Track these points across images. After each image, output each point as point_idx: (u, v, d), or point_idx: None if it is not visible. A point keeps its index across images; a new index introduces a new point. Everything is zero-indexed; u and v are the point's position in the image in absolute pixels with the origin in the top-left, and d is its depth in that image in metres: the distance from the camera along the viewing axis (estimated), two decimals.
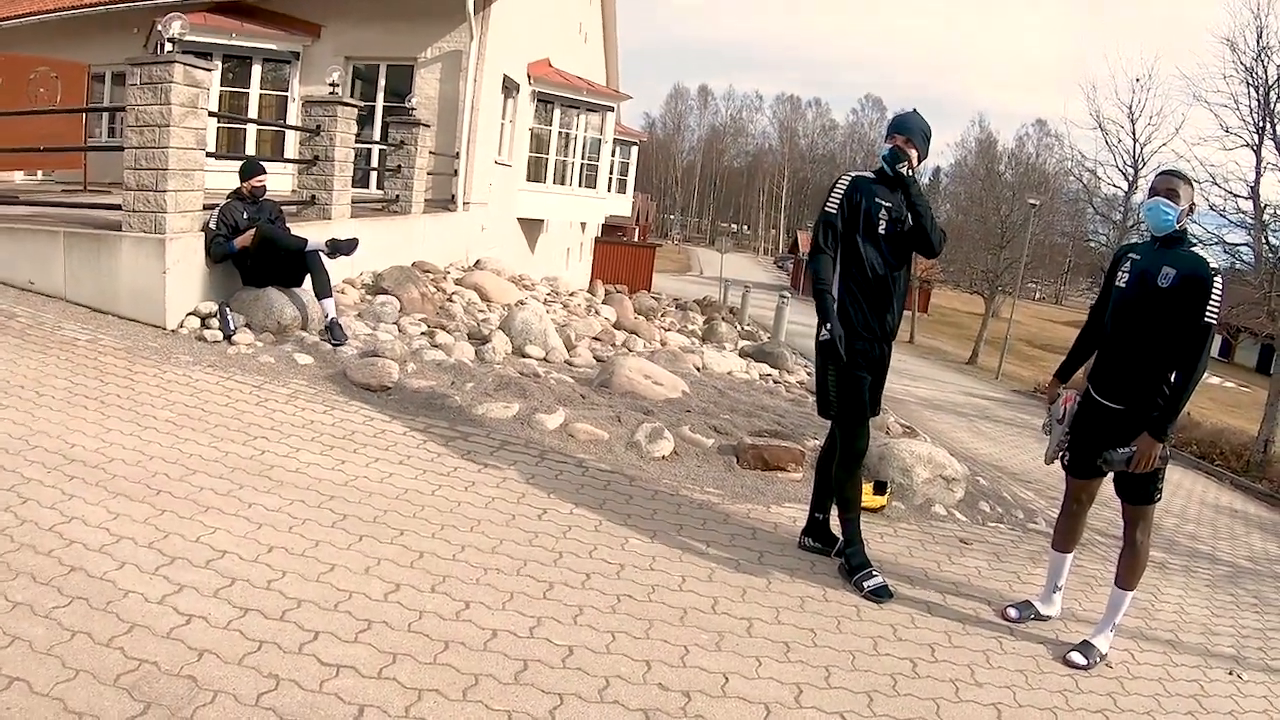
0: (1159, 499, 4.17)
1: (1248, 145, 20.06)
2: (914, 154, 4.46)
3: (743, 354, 13.36)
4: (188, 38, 7.83)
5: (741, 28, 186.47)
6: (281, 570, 3.57)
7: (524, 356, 8.38)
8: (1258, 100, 19.78)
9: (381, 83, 17.11)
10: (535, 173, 20.43)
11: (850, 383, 4.47)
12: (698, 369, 9.91)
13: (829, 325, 4.32)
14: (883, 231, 4.43)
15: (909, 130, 4.48)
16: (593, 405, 6.62)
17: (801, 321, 16.07)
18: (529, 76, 19.09)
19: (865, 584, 4.43)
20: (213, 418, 5.38)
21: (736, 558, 4.53)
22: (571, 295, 16.14)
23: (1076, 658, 4.10)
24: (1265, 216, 19.83)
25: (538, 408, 6.21)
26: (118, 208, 7.64)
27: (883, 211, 4.43)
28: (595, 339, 10.78)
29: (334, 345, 7.22)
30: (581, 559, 4.13)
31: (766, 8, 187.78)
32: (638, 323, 14.03)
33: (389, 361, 6.55)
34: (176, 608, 3.22)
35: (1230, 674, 4.57)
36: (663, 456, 5.87)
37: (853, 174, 4.60)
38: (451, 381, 6.67)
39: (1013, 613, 4.46)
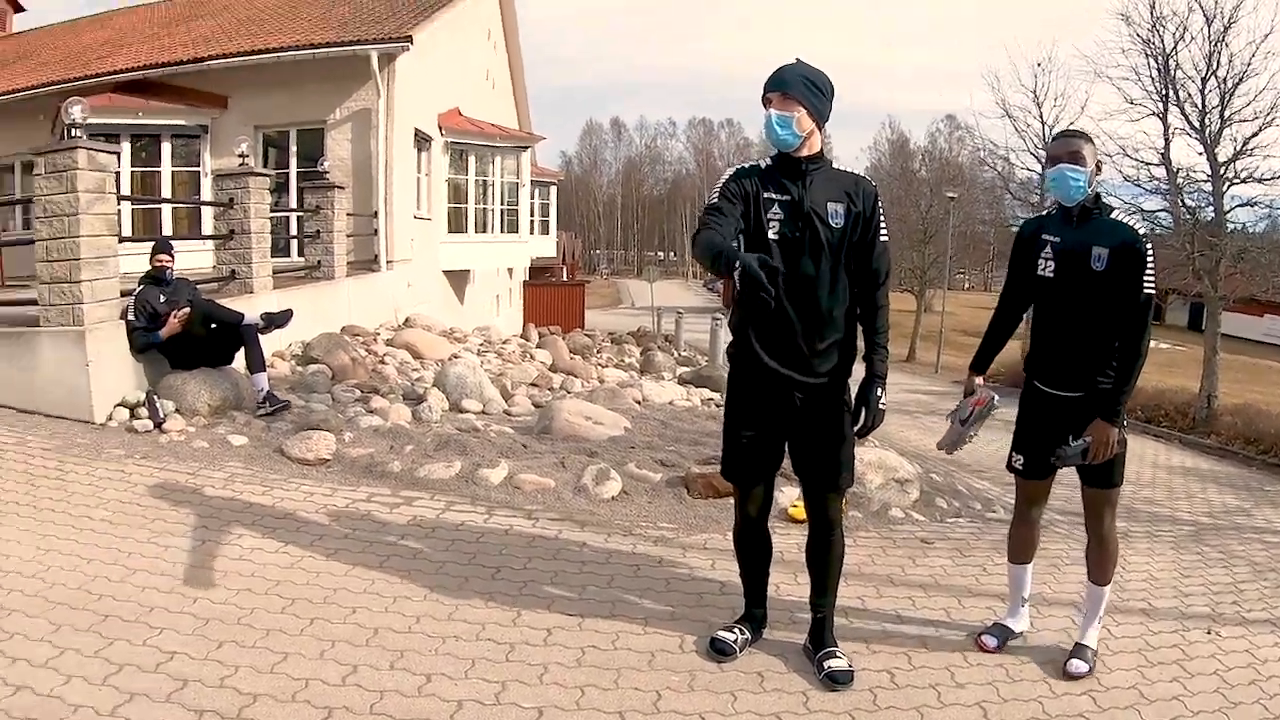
0: (1120, 482, 3.87)
1: (1154, 114, 20.74)
2: (801, 113, 3.35)
3: (681, 381, 13.33)
4: (93, 120, 7.71)
5: (645, 59, 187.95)
6: (234, 665, 3.45)
7: (461, 412, 8.31)
8: (1157, 69, 20.43)
9: (293, 148, 17.13)
10: (456, 223, 20.44)
11: (732, 418, 3.66)
12: (638, 402, 9.85)
13: (739, 263, 2.87)
14: (774, 237, 3.37)
15: (784, 85, 3.37)
16: (535, 454, 6.56)
17: None
18: (440, 127, 19.15)
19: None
20: (150, 512, 5.25)
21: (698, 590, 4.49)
22: (505, 343, 16.11)
23: (1077, 666, 3.86)
24: (1179, 180, 20.37)
25: (480, 463, 6.14)
26: (34, 302, 7.47)
27: (775, 209, 3.39)
28: (532, 385, 10.75)
29: (273, 411, 7.17)
30: (540, 614, 4.04)
31: (672, 36, 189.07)
32: (574, 363, 14.00)
33: (325, 434, 6.46)
34: (129, 718, 3.11)
35: (1209, 633, 4.55)
36: (612, 497, 5.82)
37: (739, 165, 3.60)
38: (390, 446, 6.58)
39: (991, 641, 4.05)
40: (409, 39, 15.55)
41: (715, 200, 3.40)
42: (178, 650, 3.58)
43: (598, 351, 18.96)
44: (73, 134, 7.12)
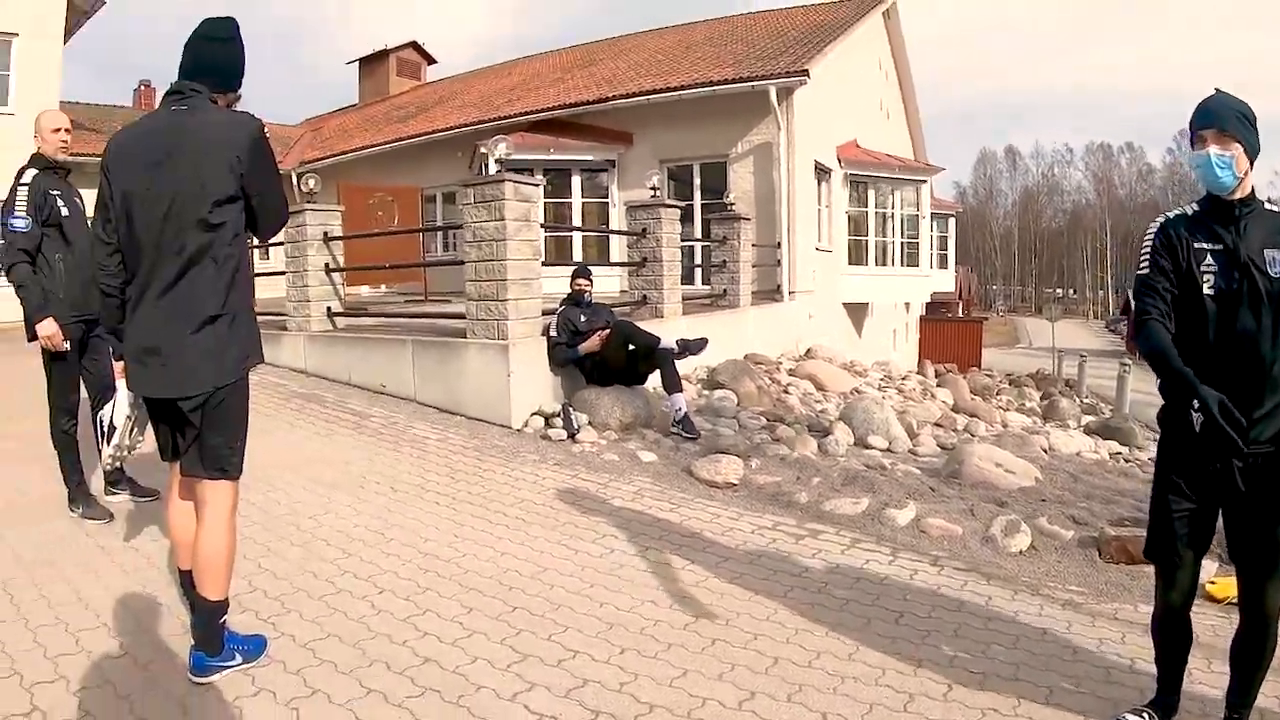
0: None
1: None
2: (1238, 150, 2.99)
3: (1088, 431, 12.53)
4: (511, 156, 8.32)
5: (1036, 79, 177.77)
6: (634, 673, 3.55)
7: (867, 448, 8.17)
8: None
9: (696, 181, 17.65)
10: (856, 255, 20.25)
11: (1161, 490, 3.23)
12: (1045, 451, 9.34)
13: (1197, 401, 2.79)
14: (1209, 292, 3.01)
15: (1220, 120, 3.01)
16: (944, 498, 6.31)
17: (1145, 390, 14.86)
18: (839, 159, 19.11)
19: None
20: (561, 515, 5.57)
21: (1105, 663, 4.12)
22: (904, 379, 15.74)
23: None
24: None
25: (887, 502, 5.96)
26: (461, 316, 8.23)
27: (1208, 261, 3.03)
28: (936, 425, 10.46)
29: (687, 439, 7.38)
30: (941, 667, 3.81)
31: (1055, 53, 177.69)
32: (975, 404, 13.50)
33: (733, 459, 6.55)
34: (528, 706, 3.27)
35: None
36: (1020, 551, 5.45)
37: (1164, 215, 3.24)
38: (796, 476, 6.57)
39: None
40: (805, 73, 15.66)
41: (1145, 270, 3.12)
42: (580, 650, 3.74)
43: (996, 394, 18.19)
44: (495, 168, 7.72)
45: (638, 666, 3.61)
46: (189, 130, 3.20)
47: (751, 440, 7.56)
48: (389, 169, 21.95)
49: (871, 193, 20.34)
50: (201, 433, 3.30)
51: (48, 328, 5.13)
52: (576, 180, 18.38)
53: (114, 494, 5.79)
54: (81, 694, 3.33)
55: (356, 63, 33.81)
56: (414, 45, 33.32)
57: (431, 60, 33.81)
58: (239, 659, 3.49)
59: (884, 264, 20.80)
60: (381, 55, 32.68)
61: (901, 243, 21.12)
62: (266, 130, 3.32)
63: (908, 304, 26.32)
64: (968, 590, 4.76)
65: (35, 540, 5.06)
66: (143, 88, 31.44)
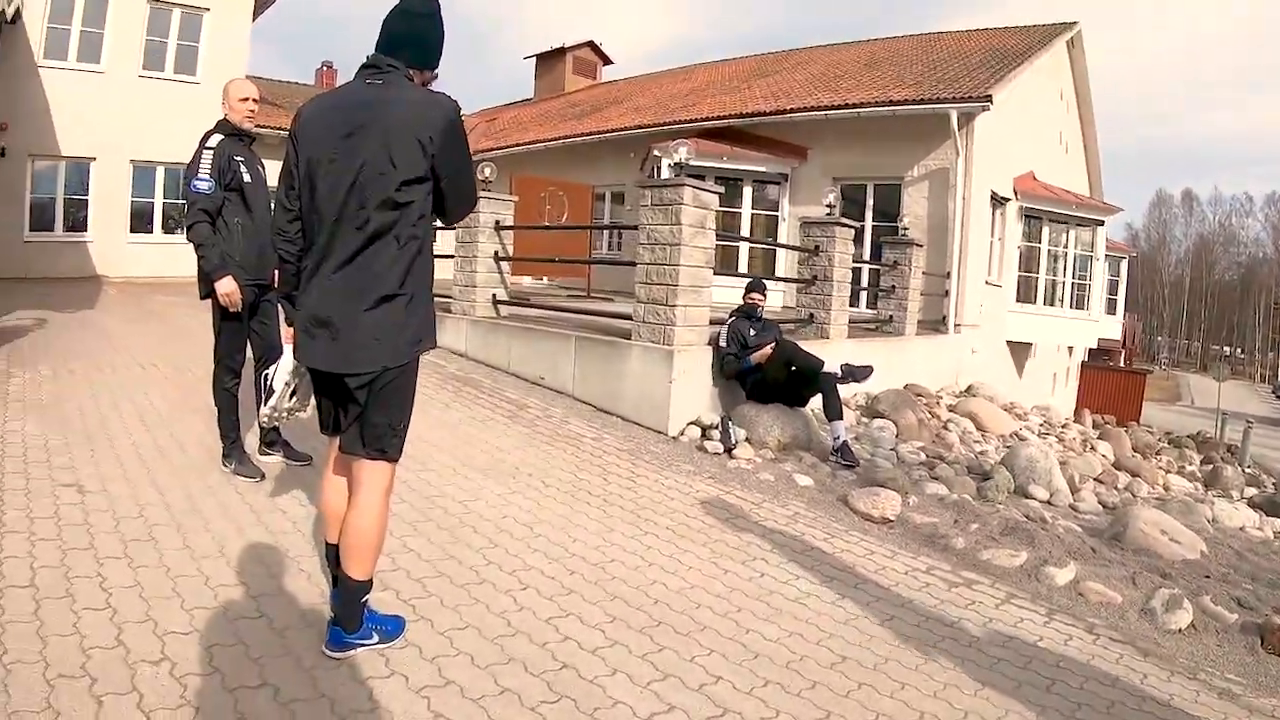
0: None
1: None
2: None
3: (1252, 504, 11.77)
4: (690, 162, 8.26)
5: (1219, 122, 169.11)
6: (775, 709, 3.39)
7: (1027, 497, 7.81)
8: None
9: (869, 202, 17.32)
10: (1025, 292, 19.52)
11: None
12: (1209, 522, 8.80)
13: None
14: None
15: None
16: (1104, 561, 5.93)
17: None
18: (1015, 191, 18.46)
19: None
20: (712, 532, 5.44)
21: None
22: (1064, 427, 15.12)
23: None
24: None
25: (1046, 559, 5.64)
26: (627, 317, 8.17)
27: None
28: (1097, 480, 9.97)
29: (845, 467, 7.19)
30: None
31: (1242, 95, 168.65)
32: (1137, 462, 12.84)
33: (892, 494, 6.32)
34: None
35: None
36: (1179, 629, 5.07)
37: None
38: (954, 520, 6.29)
39: None
40: (988, 98, 15.14)
41: None
42: (723, 676, 3.60)
43: (1157, 453, 17.36)
44: (669, 173, 7.64)
45: (780, 702, 3.45)
46: (382, 105, 3.13)
47: (910, 476, 7.31)
48: (560, 165, 22.18)
49: (1046, 229, 19.56)
50: (365, 411, 3.26)
51: (227, 285, 5.25)
52: (748, 191, 18.26)
53: (268, 454, 5.93)
54: (213, 649, 3.36)
55: (534, 58, 34.32)
56: (591, 45, 33.63)
57: (607, 60, 34.10)
58: (376, 638, 3.48)
59: (1052, 304, 20.01)
60: (559, 52, 33.11)
61: (1072, 283, 20.26)
62: (462, 112, 3.25)
63: (1071, 348, 25.38)
64: (1123, 665, 4.45)
65: (186, 490, 5.20)
66: (325, 68, 32.65)
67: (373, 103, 3.15)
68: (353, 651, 3.40)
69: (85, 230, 19.40)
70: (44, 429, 6.22)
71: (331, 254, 3.19)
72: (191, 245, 5.28)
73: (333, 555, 3.50)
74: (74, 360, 8.74)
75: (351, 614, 3.38)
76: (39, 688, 2.99)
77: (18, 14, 16.95)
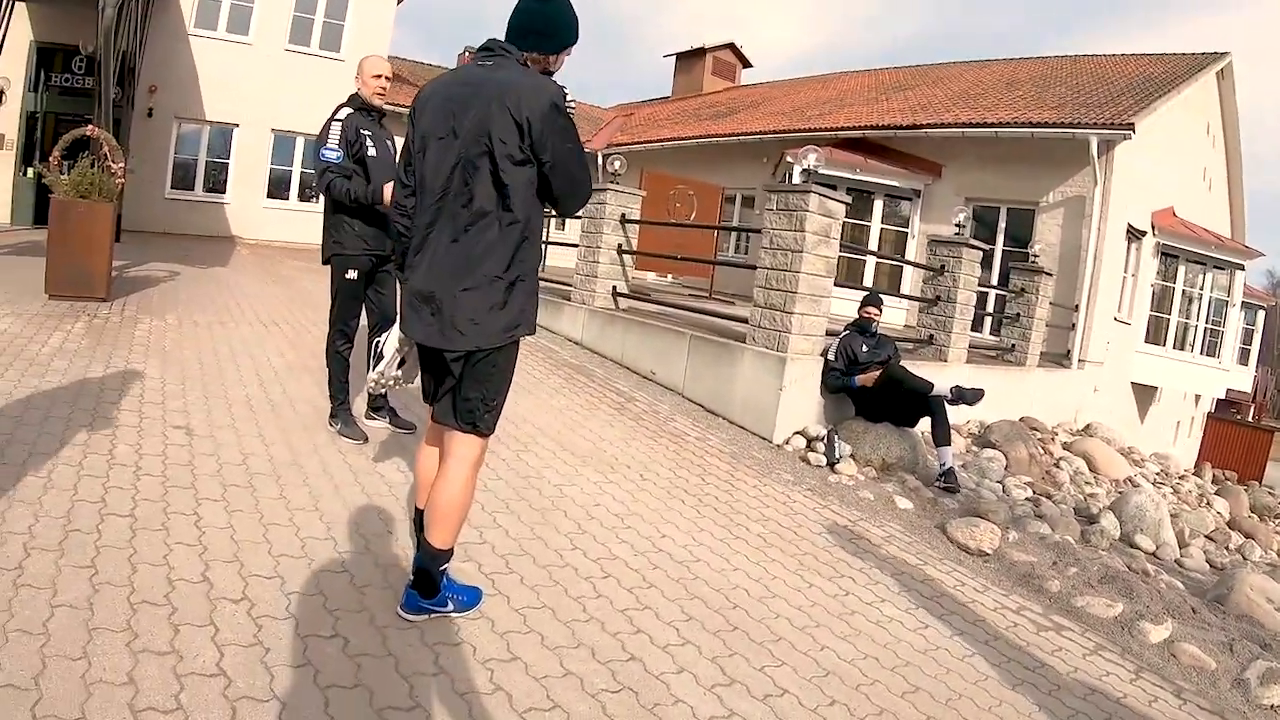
0: None
1: None
2: None
3: None
4: (819, 169, 8.16)
5: None
6: None
7: (1132, 546, 7.50)
8: None
9: (1001, 225, 16.93)
10: (1155, 334, 18.76)
11: None
12: None
13: None
14: None
15: None
16: (1203, 624, 5.60)
17: None
18: (1153, 227, 17.76)
19: None
20: (803, 544, 5.36)
21: None
22: (1181, 478, 14.54)
23: None
24: None
25: (1143, 613, 5.34)
26: (742, 320, 8.14)
27: None
28: (1208, 537, 9.54)
29: (947, 491, 7.05)
30: None
31: None
32: (1253, 523, 12.28)
33: (991, 525, 6.13)
34: None
35: None
36: (1271, 706, 4.77)
37: None
38: (1053, 561, 6.04)
39: None
40: (1130, 126, 14.55)
41: None
42: (790, 690, 3.53)
43: (1275, 516, 16.60)
44: (800, 179, 7.56)
45: None
46: (487, 85, 3.15)
47: (1013, 511, 7.06)
48: (692, 164, 22.17)
49: (1182, 268, 18.78)
50: (460, 385, 3.29)
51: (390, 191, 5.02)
52: (878, 204, 18.05)
53: (373, 419, 6.05)
54: (293, 596, 3.45)
55: (673, 57, 34.28)
56: (731, 46, 33.45)
57: (747, 63, 33.90)
58: (451, 607, 3.52)
59: (1182, 348, 19.23)
60: (698, 53, 32.98)
61: (1205, 328, 19.41)
62: (569, 98, 3.21)
63: (1198, 396, 24.28)
64: None
65: (291, 445, 5.35)
66: (466, 53, 32.97)
67: (479, 83, 3.18)
68: (426, 617, 3.45)
69: (224, 192, 20.24)
70: (163, 373, 6.47)
71: (437, 231, 3.23)
72: (330, 201, 5.49)
73: (420, 521, 3.55)
74: (199, 313, 9.07)
75: (429, 580, 3.42)
76: (122, 609, 3.12)
77: None
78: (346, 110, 5.47)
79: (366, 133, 5.46)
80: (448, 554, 3.43)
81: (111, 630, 2.97)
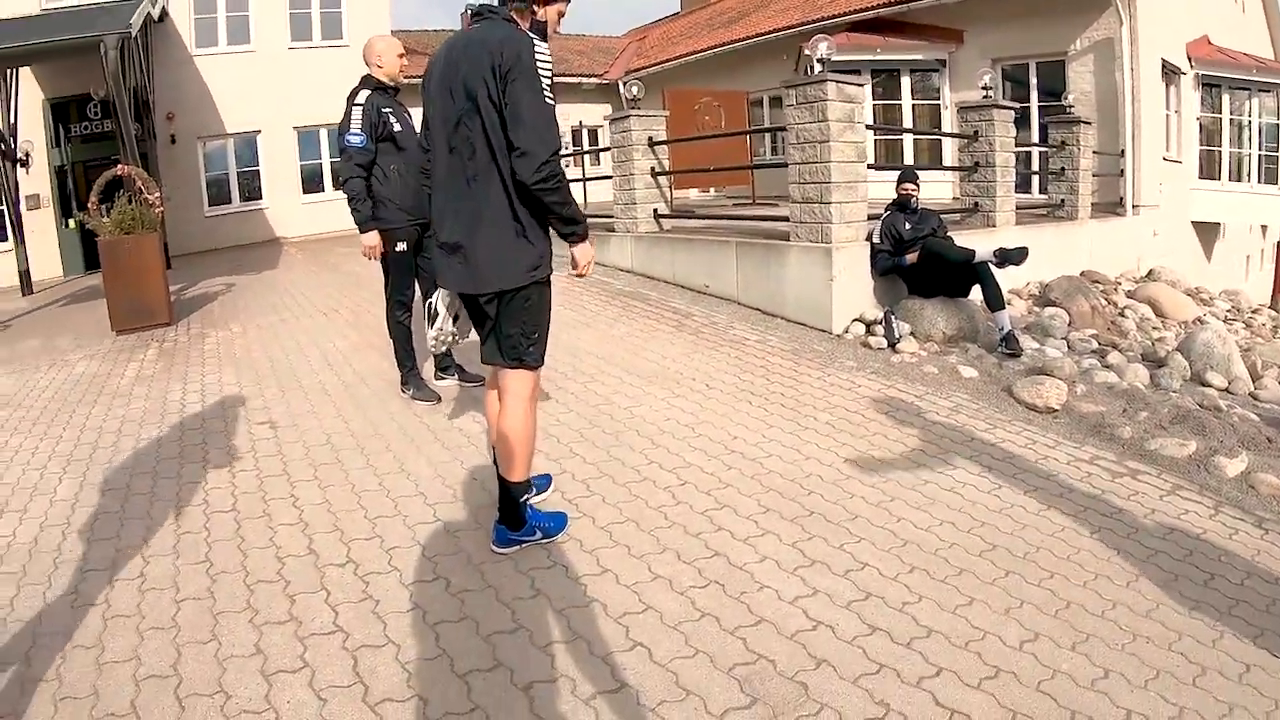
0: None
1: None
2: None
3: None
4: (835, 57, 8.12)
5: None
6: (918, 594, 3.42)
7: (1203, 385, 7.34)
8: None
9: (1033, 81, 16.54)
10: (1208, 169, 18.13)
11: None
12: None
13: None
14: None
15: None
16: None
17: None
18: (1189, 59, 17.13)
19: None
20: (871, 425, 5.46)
21: None
22: (1254, 312, 14.22)
23: None
24: None
25: (1217, 449, 5.28)
26: (785, 219, 8.17)
27: None
28: None
29: (1009, 356, 7.02)
30: (1243, 643, 3.28)
31: None
32: None
33: (1057, 381, 6.11)
34: (806, 611, 3.26)
35: None
36: None
37: None
38: (1123, 409, 5.99)
39: None
40: None
41: None
42: (869, 563, 3.67)
43: None
44: (819, 69, 7.54)
45: (924, 588, 3.48)
46: (473, 45, 3.34)
47: (1079, 364, 7.00)
48: (713, 75, 22.01)
49: (1226, 97, 18.08)
50: (499, 324, 3.49)
51: (370, 239, 5.63)
52: (906, 81, 17.70)
53: (442, 379, 6.27)
54: (392, 551, 3.71)
55: None
56: None
57: None
58: (539, 535, 3.73)
59: (1239, 179, 18.57)
60: None
61: (1260, 155, 18.67)
62: (538, 50, 3.28)
63: (1265, 227, 23.36)
64: None
65: (368, 417, 5.61)
66: (469, 12, 32.81)
67: (467, 44, 3.39)
68: (517, 548, 3.67)
69: (260, 198, 20.67)
70: (238, 378, 6.80)
71: (451, 185, 3.46)
72: (346, 198, 5.64)
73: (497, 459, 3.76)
74: (260, 316, 9.39)
75: (513, 513, 3.64)
76: (240, 592, 3.40)
77: (164, 13, 18.08)
78: (364, 93, 5.61)
79: (388, 110, 5.62)
80: (524, 486, 3.62)
81: (234, 611, 3.26)
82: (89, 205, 9.15)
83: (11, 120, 14.87)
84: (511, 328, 3.46)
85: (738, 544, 3.78)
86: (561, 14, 3.61)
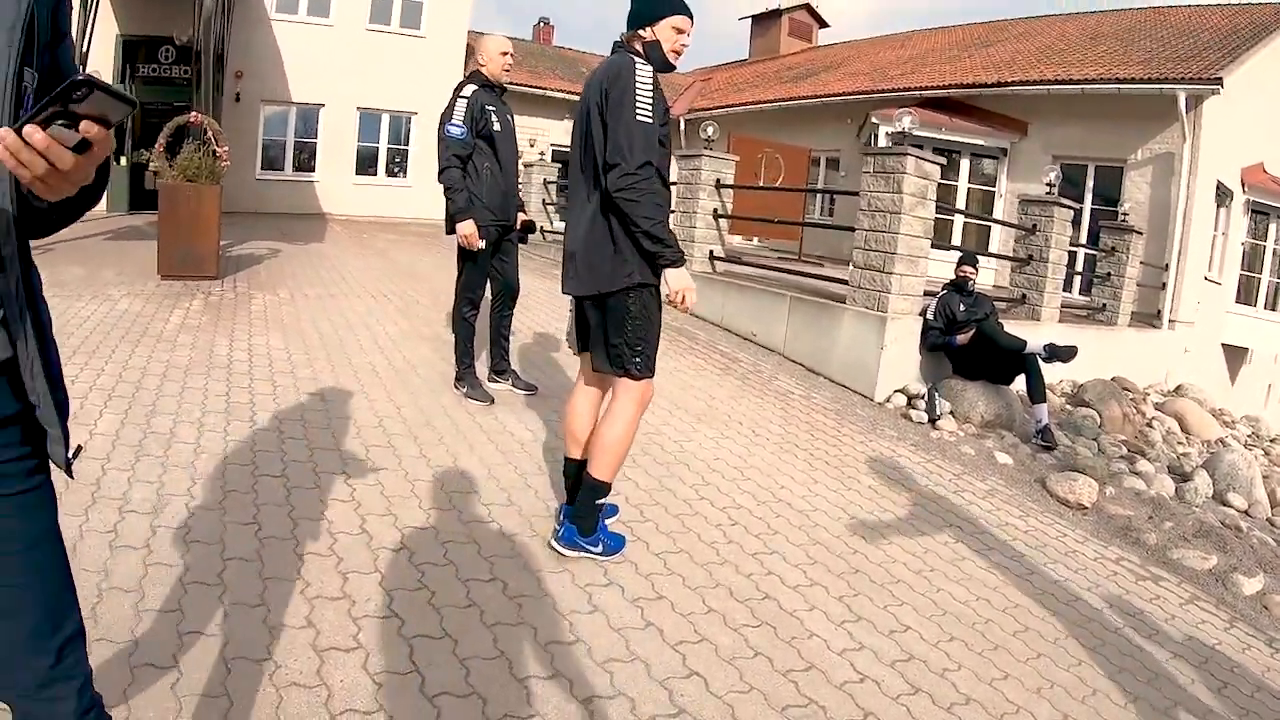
0: None
1: None
2: None
3: None
4: (915, 131, 8.26)
5: None
6: (958, 662, 3.55)
7: (1224, 504, 7.50)
8: None
9: (1089, 183, 16.71)
10: (1246, 293, 18.26)
11: None
12: None
13: None
14: None
15: None
16: None
17: None
18: (1242, 183, 17.27)
19: None
20: (911, 495, 5.58)
21: None
22: (1273, 441, 14.29)
23: None
24: None
25: (1236, 566, 5.49)
26: (840, 281, 8.34)
27: None
28: None
29: (1044, 449, 7.16)
30: None
31: None
32: None
33: (1090, 481, 6.27)
34: (854, 664, 3.36)
35: None
36: None
37: None
38: (1149, 515, 6.18)
39: None
40: (1219, 81, 14.20)
41: None
42: (912, 626, 3.78)
43: None
44: (891, 141, 7.67)
45: (963, 657, 3.60)
46: (598, 70, 3.67)
47: (1109, 467, 7.16)
48: (775, 127, 22.05)
49: (1273, 226, 18.23)
50: (605, 332, 3.68)
51: (467, 228, 5.65)
52: (965, 164, 17.90)
53: (496, 382, 6.35)
54: (448, 545, 3.76)
55: (749, 19, 33.94)
56: (807, 7, 32.82)
57: (823, 24, 33.36)
58: (600, 548, 3.82)
59: (1274, 309, 18.69)
60: (774, 14, 32.49)
61: None
62: (638, 69, 3.49)
63: None
64: None
65: (421, 408, 5.67)
66: (542, 25, 33.49)
67: (597, 70, 3.68)
68: (579, 554, 3.78)
69: (312, 171, 20.80)
70: (286, 344, 6.85)
71: (575, 199, 3.76)
72: (441, 186, 5.71)
73: (571, 470, 3.92)
74: (308, 286, 9.47)
75: (587, 513, 3.76)
76: (290, 560, 3.43)
77: None
78: (471, 87, 5.72)
79: (491, 108, 5.72)
80: (606, 487, 3.74)
81: (285, 579, 3.26)
82: (156, 146, 9.22)
83: (84, 49, 15.01)
84: (615, 337, 3.63)
85: (787, 590, 3.88)
86: (679, 29, 3.65)
